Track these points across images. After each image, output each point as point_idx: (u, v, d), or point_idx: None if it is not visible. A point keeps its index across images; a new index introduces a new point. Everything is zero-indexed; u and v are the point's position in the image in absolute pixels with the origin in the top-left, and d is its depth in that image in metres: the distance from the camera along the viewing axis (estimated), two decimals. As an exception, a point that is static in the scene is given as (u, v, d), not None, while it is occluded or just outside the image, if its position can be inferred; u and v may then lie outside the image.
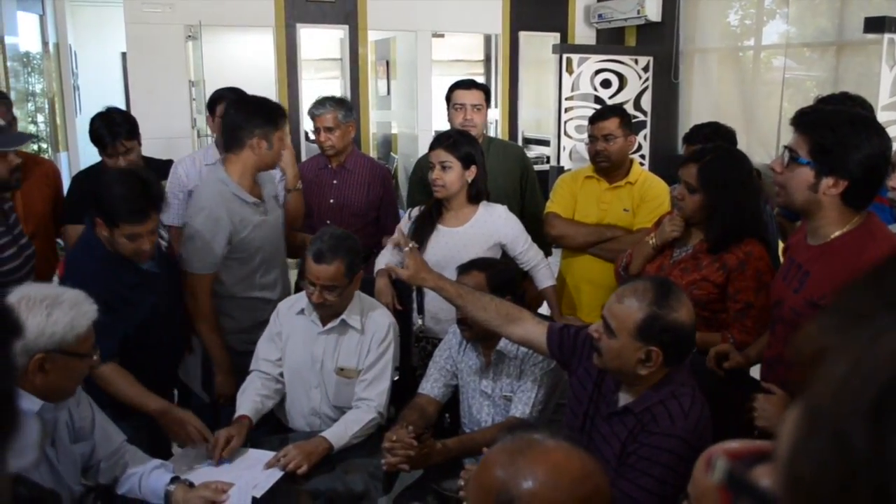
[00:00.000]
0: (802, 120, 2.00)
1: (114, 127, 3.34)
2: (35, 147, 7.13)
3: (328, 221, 3.58)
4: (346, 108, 3.72)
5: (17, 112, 6.81)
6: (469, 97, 3.53)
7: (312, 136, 3.96)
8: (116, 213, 2.45)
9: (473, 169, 3.02)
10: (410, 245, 2.54)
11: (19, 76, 7.32)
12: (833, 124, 1.94)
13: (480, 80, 8.39)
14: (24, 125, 7.17)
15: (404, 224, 3.20)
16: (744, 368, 2.39)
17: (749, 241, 2.54)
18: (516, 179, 3.54)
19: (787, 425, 0.52)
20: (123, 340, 2.54)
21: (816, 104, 3.19)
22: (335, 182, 3.77)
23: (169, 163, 3.69)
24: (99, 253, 2.55)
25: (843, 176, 1.93)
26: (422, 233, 3.08)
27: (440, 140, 3.09)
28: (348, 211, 3.73)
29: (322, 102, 3.71)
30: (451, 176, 3.00)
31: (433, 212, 3.11)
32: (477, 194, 3.08)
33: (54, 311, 1.87)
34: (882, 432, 0.44)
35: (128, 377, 2.49)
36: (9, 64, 6.65)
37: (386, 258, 3.16)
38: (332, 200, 3.75)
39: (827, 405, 0.47)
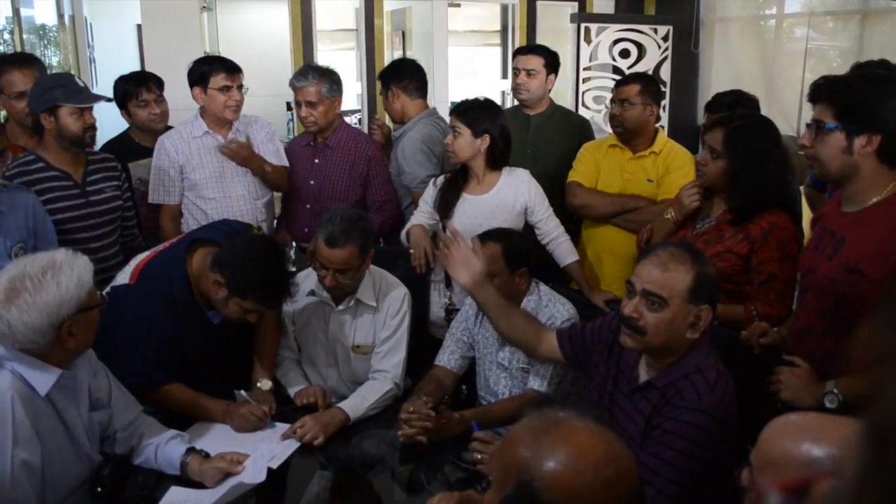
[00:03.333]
0: (819, 90, 2.01)
1: (142, 74, 3.50)
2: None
3: (307, 206, 3.46)
4: (333, 82, 3.42)
5: (33, 85, 6.81)
6: (523, 62, 3.58)
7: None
8: (251, 290, 2.34)
9: (486, 138, 2.98)
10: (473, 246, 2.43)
11: (35, 49, 7.31)
12: (851, 85, 1.97)
13: (496, 50, 8.31)
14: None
15: (429, 193, 3.16)
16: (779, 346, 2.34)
17: (774, 210, 2.48)
18: (573, 149, 3.50)
19: (851, 446, 0.44)
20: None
21: (852, 70, 3.14)
22: (317, 161, 3.50)
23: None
24: (177, 292, 2.43)
25: (876, 131, 1.92)
26: (447, 201, 3.06)
27: (457, 107, 3.10)
28: (327, 194, 3.45)
29: (304, 73, 3.40)
30: (461, 142, 2.98)
31: (458, 179, 3.08)
32: (496, 160, 3.04)
33: (61, 277, 1.87)
34: None
35: (182, 389, 2.48)
36: (25, 36, 6.64)
37: (419, 219, 3.13)
38: (311, 182, 3.49)
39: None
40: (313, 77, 3.36)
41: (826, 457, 1.13)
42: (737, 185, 2.50)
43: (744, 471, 1.24)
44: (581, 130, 3.69)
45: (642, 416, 1.95)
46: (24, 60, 3.21)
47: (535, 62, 3.55)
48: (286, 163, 3.54)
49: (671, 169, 3.20)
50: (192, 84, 3.33)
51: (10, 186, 2.64)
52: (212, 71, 3.29)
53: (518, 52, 3.67)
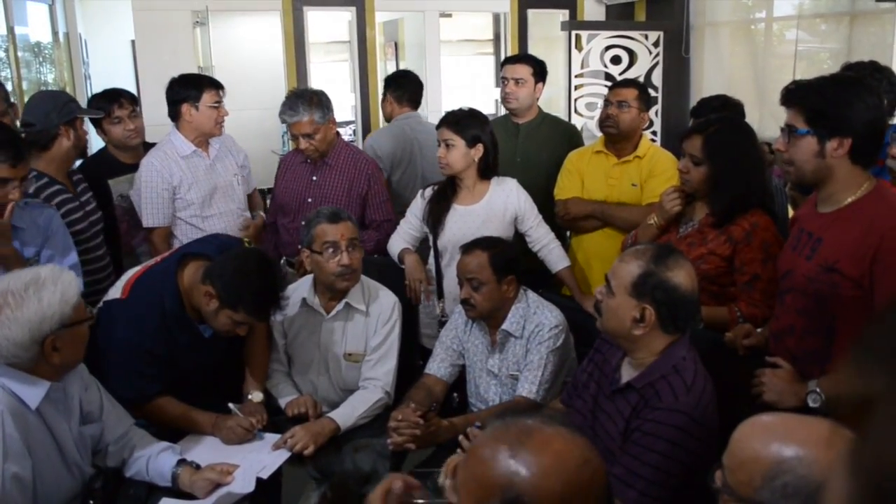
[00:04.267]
0: (790, 95, 2.04)
1: (112, 92, 3.46)
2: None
3: (303, 223, 3.26)
4: (323, 106, 3.34)
5: (28, 102, 6.83)
6: (511, 71, 3.61)
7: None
8: (243, 302, 2.35)
9: (480, 147, 3.00)
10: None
11: (31, 66, 7.35)
12: (820, 89, 1.99)
13: (489, 59, 8.33)
14: (36, 115, 7.20)
15: (417, 205, 3.18)
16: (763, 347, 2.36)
17: (755, 212, 2.51)
18: (562, 155, 3.51)
19: (834, 493, 0.41)
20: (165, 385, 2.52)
21: (842, 71, 3.18)
22: (314, 178, 3.45)
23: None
24: (168, 307, 2.44)
25: (846, 134, 1.95)
26: (437, 213, 3.07)
27: (445, 118, 3.09)
28: None
29: (293, 106, 3.29)
30: (455, 154, 2.99)
31: (447, 190, 3.10)
32: (487, 170, 3.06)
33: (43, 293, 1.88)
34: None
35: (173, 403, 2.49)
36: (20, 54, 6.67)
37: (400, 242, 3.16)
38: (309, 199, 3.42)
39: (888, 472, 0.36)
40: (304, 108, 3.29)
41: (794, 457, 1.15)
42: (719, 189, 2.53)
43: (717, 473, 1.26)
44: (570, 138, 3.71)
45: (622, 418, 1.97)
46: None
47: (523, 71, 3.57)
48: (254, 185, 3.69)
49: (655, 173, 3.23)
50: (179, 101, 3.31)
51: (31, 203, 2.66)
52: (204, 88, 3.32)
53: (506, 62, 3.69)
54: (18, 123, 3.07)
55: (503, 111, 3.76)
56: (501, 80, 3.63)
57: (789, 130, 2.02)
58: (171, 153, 3.33)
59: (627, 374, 2.03)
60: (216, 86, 3.37)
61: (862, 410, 0.38)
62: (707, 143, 2.52)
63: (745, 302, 2.48)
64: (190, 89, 3.31)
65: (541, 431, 1.15)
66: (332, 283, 2.65)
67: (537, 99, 3.68)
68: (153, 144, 3.52)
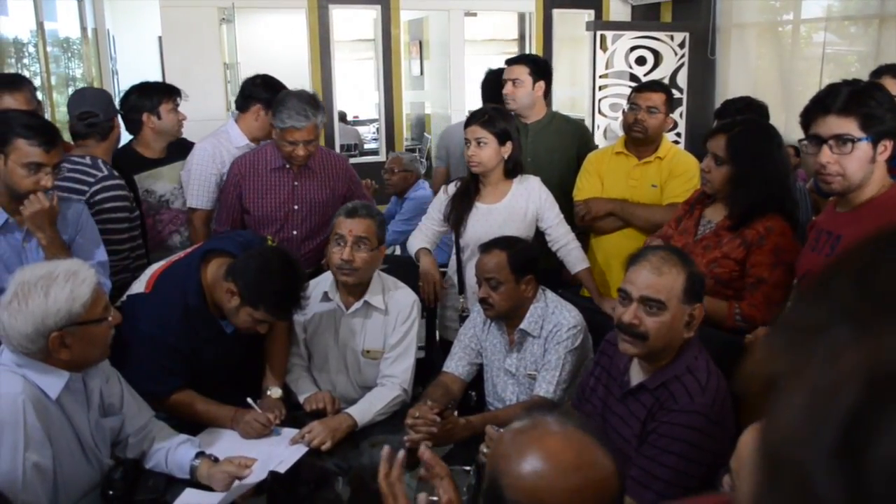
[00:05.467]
0: (834, 102, 1.96)
1: (168, 85, 3.52)
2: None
3: (294, 232, 3.27)
4: (322, 109, 3.17)
5: (57, 97, 6.94)
6: (508, 73, 3.56)
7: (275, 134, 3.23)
8: (263, 301, 2.36)
9: (509, 145, 3.00)
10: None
11: (59, 61, 7.45)
12: (867, 93, 1.96)
13: (513, 58, 8.32)
14: (64, 110, 7.30)
15: (440, 201, 3.19)
16: None
17: (772, 216, 2.48)
18: (572, 156, 3.51)
19: (747, 471, 0.43)
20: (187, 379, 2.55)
21: (872, 76, 3.16)
22: (296, 185, 3.25)
23: (192, 145, 3.64)
24: (192, 303, 2.46)
25: (891, 136, 1.97)
26: (460, 211, 3.08)
27: (476, 116, 3.06)
28: (317, 217, 3.26)
29: (302, 110, 3.03)
30: (487, 152, 2.98)
31: (470, 188, 3.10)
32: (513, 169, 3.06)
33: (51, 289, 1.89)
34: (853, 476, 0.35)
35: (193, 397, 2.52)
36: (49, 49, 6.76)
37: (419, 240, 3.17)
38: (296, 207, 3.25)
39: (786, 445, 0.38)
40: (312, 113, 3.06)
41: None
42: (740, 190, 2.51)
43: (725, 477, 1.26)
44: (581, 136, 3.67)
45: (637, 420, 1.97)
46: (14, 83, 3.13)
47: (520, 71, 3.52)
48: None
49: (675, 174, 3.20)
50: (251, 98, 3.44)
51: (60, 196, 2.69)
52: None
53: (506, 63, 3.64)
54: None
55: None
56: (501, 83, 3.59)
57: (844, 140, 1.95)
58: (224, 142, 3.41)
59: (638, 376, 2.03)
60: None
61: (767, 390, 0.40)
62: (731, 142, 2.50)
63: (747, 302, 2.46)
64: (270, 93, 3.37)
65: (545, 427, 1.17)
66: (335, 274, 2.68)
67: (538, 97, 3.60)
68: (182, 141, 3.58)
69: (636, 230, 3.21)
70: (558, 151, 3.51)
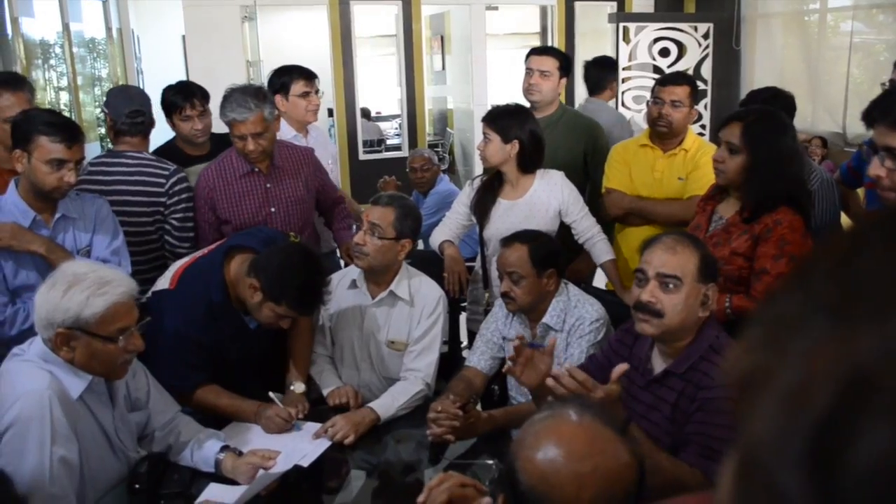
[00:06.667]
0: (885, 113, 1.83)
1: (187, 88, 3.49)
2: (102, 131, 7.35)
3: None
4: (270, 101, 3.07)
5: (84, 97, 7.02)
6: (536, 62, 3.52)
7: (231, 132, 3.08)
8: (286, 296, 2.37)
9: (515, 143, 2.99)
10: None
11: (85, 62, 7.54)
12: None
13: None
14: (90, 110, 7.40)
15: (466, 194, 3.19)
16: None
17: (783, 209, 2.43)
18: (578, 154, 3.48)
19: (724, 474, 0.40)
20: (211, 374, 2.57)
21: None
22: (269, 186, 3.13)
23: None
24: (216, 298, 2.47)
25: None
26: (484, 205, 3.08)
27: (487, 113, 3.10)
28: (295, 217, 3.18)
29: (243, 102, 2.94)
30: (492, 148, 2.99)
31: (494, 183, 3.10)
32: (527, 165, 3.05)
33: (73, 288, 1.92)
34: (825, 486, 0.33)
35: (218, 391, 2.54)
36: (75, 50, 6.85)
37: (443, 233, 3.17)
38: (272, 209, 3.14)
39: (756, 450, 0.36)
40: (255, 104, 2.94)
41: None
42: (754, 180, 2.46)
43: None
44: (591, 133, 3.61)
45: (667, 404, 1.98)
46: (16, 82, 3.07)
47: (550, 63, 3.50)
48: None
49: (700, 165, 3.17)
50: (275, 91, 3.56)
51: (83, 195, 2.73)
52: (291, 80, 3.57)
53: (532, 53, 3.60)
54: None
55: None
56: (526, 71, 3.55)
57: (894, 154, 1.80)
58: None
59: (660, 363, 2.05)
60: (306, 76, 3.62)
61: (743, 388, 0.38)
62: (746, 131, 2.46)
63: (745, 294, 2.44)
64: (281, 81, 3.60)
65: (562, 415, 1.22)
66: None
67: (559, 94, 3.60)
68: (221, 135, 3.52)
69: (659, 226, 3.19)
70: (563, 149, 3.43)
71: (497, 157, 3.00)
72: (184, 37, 7.33)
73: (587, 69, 4.50)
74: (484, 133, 3.01)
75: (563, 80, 3.56)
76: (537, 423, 1.20)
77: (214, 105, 3.64)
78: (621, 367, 1.81)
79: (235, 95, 2.97)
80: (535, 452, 1.15)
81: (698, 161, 3.19)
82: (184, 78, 8.53)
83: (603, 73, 4.49)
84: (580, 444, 1.16)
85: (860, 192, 3.47)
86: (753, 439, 0.36)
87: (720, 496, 0.40)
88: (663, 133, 3.25)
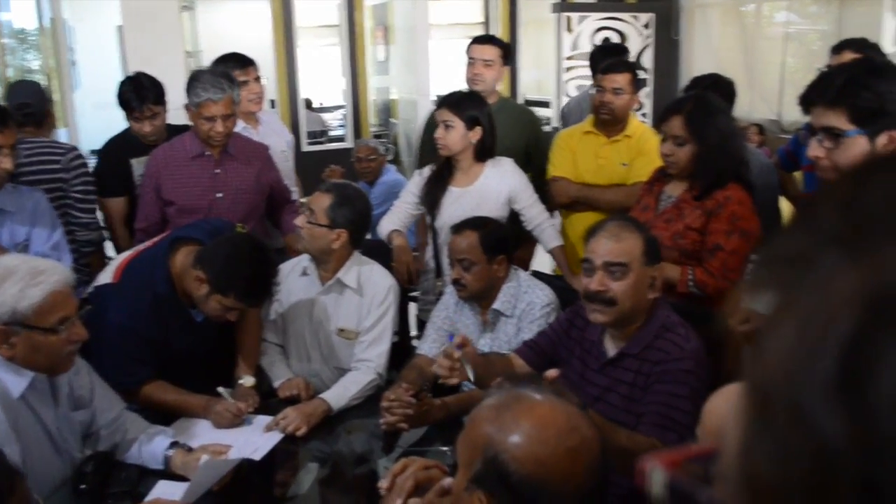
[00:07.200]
0: (822, 93, 1.82)
1: (141, 91, 3.34)
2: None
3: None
4: (237, 85, 3.10)
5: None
6: (479, 52, 3.50)
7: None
8: (233, 288, 2.33)
9: (478, 130, 2.98)
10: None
11: (16, 53, 7.31)
12: (864, 83, 1.78)
13: (479, 42, 8.30)
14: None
15: (415, 183, 3.16)
16: None
17: (732, 185, 2.51)
18: (521, 145, 3.49)
19: (731, 417, 0.40)
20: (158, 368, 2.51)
21: (834, 51, 3.16)
22: (218, 172, 3.10)
23: (187, 128, 3.44)
24: (161, 291, 2.43)
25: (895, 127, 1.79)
26: (434, 194, 3.07)
27: (445, 99, 3.06)
28: (244, 206, 3.13)
29: (216, 83, 2.94)
30: (454, 135, 2.97)
31: (444, 172, 3.08)
32: (483, 153, 3.04)
33: (5, 282, 1.85)
34: (857, 406, 0.32)
35: (164, 387, 2.48)
36: (5, 41, 6.63)
37: (391, 222, 3.15)
38: (219, 195, 3.09)
39: (778, 382, 0.36)
40: (228, 86, 2.97)
41: None
42: (706, 166, 2.52)
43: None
44: (531, 123, 3.64)
45: (624, 384, 2.02)
46: None
47: (492, 52, 3.49)
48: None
49: (643, 151, 3.24)
50: None
51: (19, 188, 2.66)
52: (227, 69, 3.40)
53: (474, 42, 3.57)
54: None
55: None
56: (469, 61, 3.52)
57: (832, 134, 1.80)
58: None
59: (613, 346, 2.09)
60: (241, 63, 3.54)
61: (750, 329, 0.38)
62: (688, 121, 2.51)
63: (703, 269, 2.49)
64: (218, 67, 3.46)
65: (528, 398, 1.19)
66: None
67: (499, 82, 3.59)
68: (178, 126, 3.48)
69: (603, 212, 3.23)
70: (507, 139, 3.40)
71: (459, 145, 2.98)
72: (120, 27, 7.13)
73: (593, 55, 4.52)
74: (443, 121, 2.98)
75: (506, 69, 3.57)
76: (505, 410, 1.16)
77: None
78: (552, 374, 1.77)
79: (207, 77, 2.99)
80: (522, 438, 1.12)
81: (641, 147, 3.26)
82: (120, 70, 8.31)
83: (607, 58, 4.52)
84: (562, 420, 1.15)
85: (797, 176, 3.57)
86: (772, 373, 0.36)
87: (725, 444, 0.39)
88: (606, 120, 3.29)
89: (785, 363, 0.35)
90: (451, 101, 3.00)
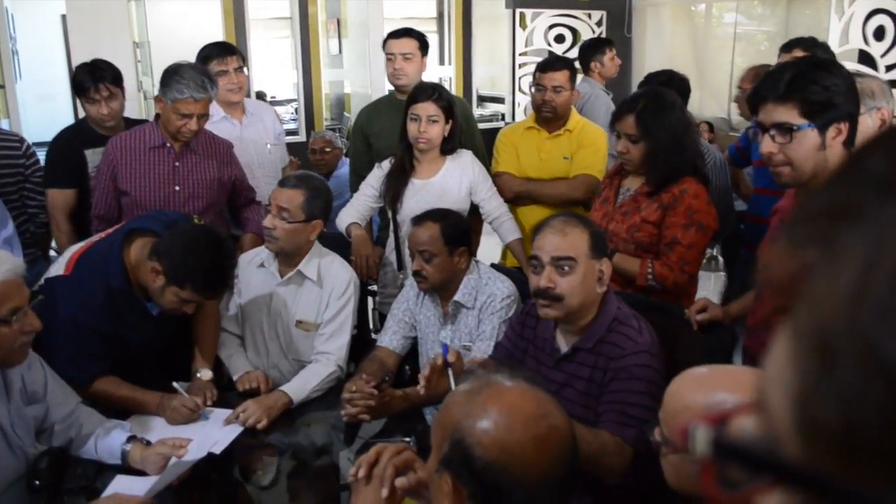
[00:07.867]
0: (772, 90, 1.88)
1: (97, 71, 3.27)
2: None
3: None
4: (216, 84, 3.04)
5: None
6: (397, 46, 3.44)
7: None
8: (190, 280, 2.27)
9: (451, 122, 3.00)
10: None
11: (-46, 41, 7.04)
12: (813, 79, 1.84)
13: (433, 37, 8.29)
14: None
15: (375, 177, 3.14)
16: (721, 322, 2.39)
17: (687, 179, 2.55)
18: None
19: (777, 366, 0.39)
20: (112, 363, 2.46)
21: (783, 50, 3.24)
22: (177, 165, 3.04)
23: (145, 122, 3.39)
24: (115, 284, 2.36)
25: (843, 119, 1.85)
26: (396, 187, 3.05)
27: (426, 93, 2.99)
28: (202, 200, 3.07)
29: (199, 80, 2.88)
30: (437, 130, 2.96)
31: (405, 164, 3.07)
32: (451, 146, 3.05)
33: None
34: None
35: (117, 383, 2.43)
36: (-59, 28, 6.39)
37: (350, 215, 3.13)
38: (177, 188, 3.04)
39: (840, 325, 0.35)
40: (210, 86, 2.92)
41: (720, 402, 1.20)
42: (659, 162, 2.57)
43: (655, 429, 1.31)
44: (462, 113, 3.56)
45: (580, 379, 2.04)
46: None
47: (410, 45, 3.45)
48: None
49: (584, 144, 3.32)
50: None
51: None
52: (206, 59, 3.40)
53: (390, 37, 3.51)
54: None
55: (453, 89, 3.69)
56: (388, 57, 3.47)
57: (784, 129, 1.86)
58: None
59: (565, 341, 2.11)
60: (220, 53, 3.47)
61: (796, 282, 0.38)
62: (640, 120, 2.56)
63: (661, 262, 2.54)
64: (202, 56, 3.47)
65: (499, 384, 1.20)
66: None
67: (421, 74, 3.54)
68: (135, 120, 3.44)
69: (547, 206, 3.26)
70: None
71: (440, 138, 2.99)
72: (64, 16, 6.95)
73: (579, 51, 4.80)
74: (428, 115, 2.94)
75: (425, 60, 3.53)
76: (475, 396, 1.16)
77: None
78: (476, 359, 1.78)
79: (190, 73, 2.88)
80: (489, 424, 1.12)
81: (582, 140, 3.34)
82: (64, 60, 8.10)
83: (588, 53, 4.76)
84: (531, 407, 1.15)
85: (746, 172, 3.65)
86: (831, 319, 0.35)
87: (772, 394, 0.39)
88: (550, 118, 3.36)
89: (848, 308, 0.35)
90: (434, 96, 2.96)
